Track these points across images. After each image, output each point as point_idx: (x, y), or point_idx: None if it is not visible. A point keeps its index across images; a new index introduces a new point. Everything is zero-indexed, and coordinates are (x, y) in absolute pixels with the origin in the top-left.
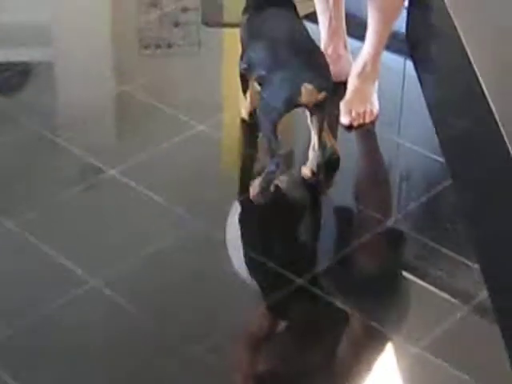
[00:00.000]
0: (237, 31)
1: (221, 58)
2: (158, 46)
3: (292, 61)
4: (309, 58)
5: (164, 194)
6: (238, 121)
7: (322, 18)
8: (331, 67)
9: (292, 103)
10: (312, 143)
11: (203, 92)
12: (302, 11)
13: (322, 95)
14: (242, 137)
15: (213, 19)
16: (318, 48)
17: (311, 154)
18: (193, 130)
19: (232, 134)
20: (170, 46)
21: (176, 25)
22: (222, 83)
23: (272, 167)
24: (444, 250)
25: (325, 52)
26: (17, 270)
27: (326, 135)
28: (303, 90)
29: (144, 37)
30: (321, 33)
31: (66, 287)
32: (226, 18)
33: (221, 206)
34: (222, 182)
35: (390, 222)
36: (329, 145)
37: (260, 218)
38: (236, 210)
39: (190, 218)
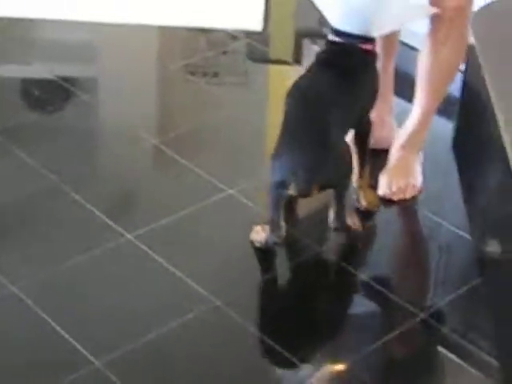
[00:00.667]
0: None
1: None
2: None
3: (292, 142)
4: (312, 146)
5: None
6: None
7: None
8: (374, 133)
9: (281, 193)
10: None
11: None
12: None
13: (317, 188)
14: None
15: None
16: (337, 136)
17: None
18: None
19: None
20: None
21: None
22: None
23: (270, 241)
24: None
25: None
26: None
27: (348, 214)
28: (291, 185)
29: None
30: None
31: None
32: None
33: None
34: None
35: (423, 315)
36: (352, 226)
37: (279, 303)
38: (258, 289)
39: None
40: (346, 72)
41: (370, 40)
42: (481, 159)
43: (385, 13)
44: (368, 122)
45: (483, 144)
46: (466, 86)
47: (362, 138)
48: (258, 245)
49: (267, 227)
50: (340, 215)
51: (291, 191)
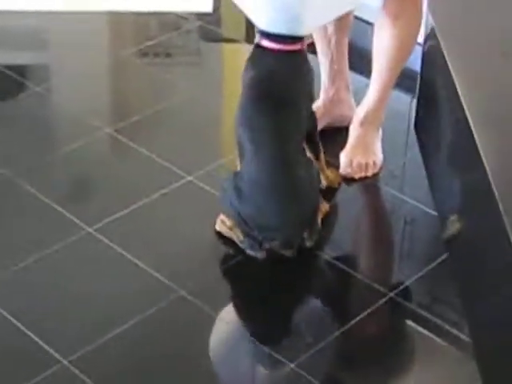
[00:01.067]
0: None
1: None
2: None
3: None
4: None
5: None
6: None
7: (323, 59)
8: (333, 110)
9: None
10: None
11: None
12: None
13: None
14: None
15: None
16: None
17: None
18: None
19: None
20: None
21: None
22: None
23: (245, 246)
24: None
25: (325, 95)
26: None
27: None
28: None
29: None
30: (321, 73)
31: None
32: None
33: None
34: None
35: (391, 294)
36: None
37: (249, 288)
38: (222, 277)
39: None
40: (282, 95)
41: (299, 39)
42: (442, 136)
43: (311, 10)
44: (313, 119)
45: (444, 121)
46: (425, 61)
47: (310, 135)
48: (227, 235)
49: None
50: (314, 232)
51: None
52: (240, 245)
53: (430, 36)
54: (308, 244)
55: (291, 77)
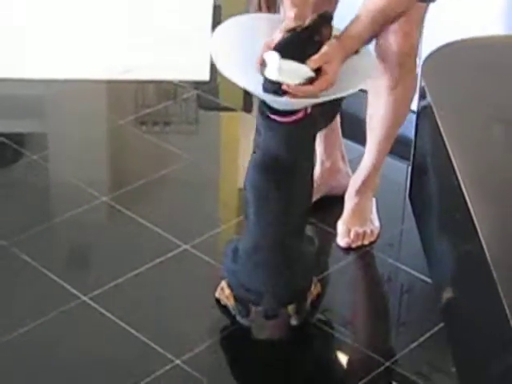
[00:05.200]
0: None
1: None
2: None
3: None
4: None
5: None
6: None
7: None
8: (329, 181)
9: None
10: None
11: None
12: None
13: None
14: None
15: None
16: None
17: None
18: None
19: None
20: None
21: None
22: None
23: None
24: None
25: (322, 166)
26: None
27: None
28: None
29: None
30: (316, 146)
31: None
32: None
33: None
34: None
35: (387, 363)
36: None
37: (243, 357)
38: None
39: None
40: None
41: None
42: (436, 205)
43: None
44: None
45: (438, 190)
46: (418, 129)
47: None
48: (223, 303)
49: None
50: (301, 310)
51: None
52: (231, 311)
53: (423, 103)
54: (294, 322)
55: (298, 146)
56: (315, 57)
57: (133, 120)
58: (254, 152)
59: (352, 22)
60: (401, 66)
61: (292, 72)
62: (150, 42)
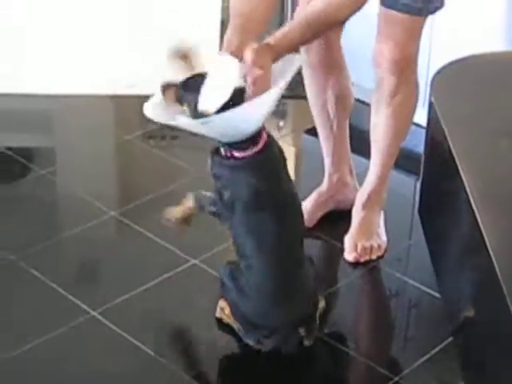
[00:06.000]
0: None
1: None
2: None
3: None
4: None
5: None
6: None
7: (326, 144)
8: (336, 195)
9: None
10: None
11: None
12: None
13: None
14: None
15: None
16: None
17: None
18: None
19: None
20: None
21: None
22: None
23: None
24: None
25: (329, 180)
26: None
27: None
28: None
29: None
30: (324, 159)
31: None
32: None
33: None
34: None
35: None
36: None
37: (250, 373)
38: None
39: None
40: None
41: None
42: (446, 221)
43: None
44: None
45: (448, 205)
46: (427, 144)
47: None
48: (226, 322)
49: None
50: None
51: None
52: (238, 332)
53: (433, 119)
54: (307, 343)
55: (278, 172)
56: (246, 61)
57: (140, 135)
58: (221, 199)
59: (286, 25)
60: (397, 75)
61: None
62: (153, 55)
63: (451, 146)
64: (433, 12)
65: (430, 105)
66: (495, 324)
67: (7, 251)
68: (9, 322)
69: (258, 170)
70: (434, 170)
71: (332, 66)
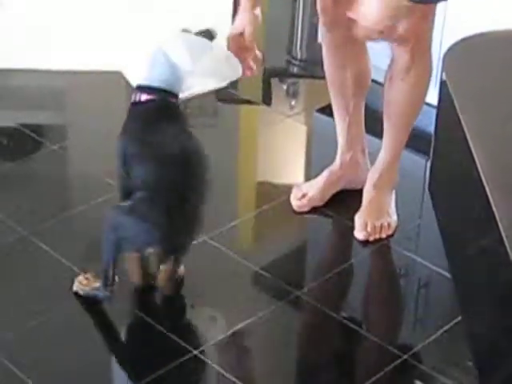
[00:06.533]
0: None
1: None
2: None
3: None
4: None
5: None
6: None
7: (341, 123)
8: (348, 174)
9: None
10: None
11: None
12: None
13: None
14: None
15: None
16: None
17: None
18: None
19: None
20: None
21: None
22: None
23: (100, 295)
24: None
25: (342, 159)
26: None
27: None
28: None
29: None
30: (338, 138)
31: None
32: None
33: None
34: None
35: (405, 356)
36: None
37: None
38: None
39: None
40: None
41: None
42: (456, 198)
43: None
44: None
45: (458, 183)
46: (439, 122)
47: None
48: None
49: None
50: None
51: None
52: (92, 293)
53: (444, 97)
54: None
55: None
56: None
57: None
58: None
59: None
60: (410, 51)
61: None
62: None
63: (463, 124)
64: None
65: (442, 82)
66: (505, 302)
67: (19, 226)
68: (17, 296)
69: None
70: (445, 147)
71: (355, 45)
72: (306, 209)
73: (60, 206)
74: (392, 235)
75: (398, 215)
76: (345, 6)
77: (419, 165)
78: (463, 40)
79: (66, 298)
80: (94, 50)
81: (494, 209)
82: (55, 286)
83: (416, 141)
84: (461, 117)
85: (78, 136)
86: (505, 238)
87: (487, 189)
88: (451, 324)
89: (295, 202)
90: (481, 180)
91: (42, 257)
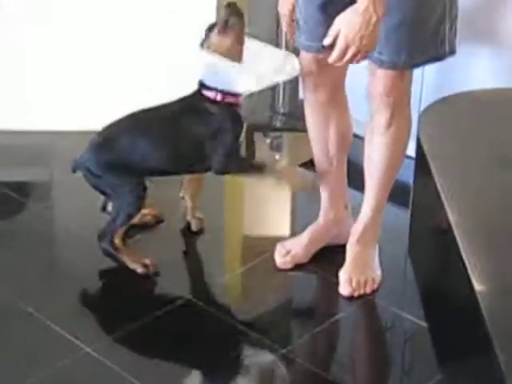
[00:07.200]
0: None
1: None
2: None
3: None
4: None
5: None
6: None
7: (324, 180)
8: (331, 230)
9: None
10: None
11: None
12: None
13: None
14: None
15: None
16: None
17: None
18: None
19: None
20: None
21: None
22: None
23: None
24: None
25: (325, 216)
26: None
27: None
28: None
29: None
30: (321, 194)
31: None
32: None
33: None
34: None
35: None
36: None
37: None
38: None
39: None
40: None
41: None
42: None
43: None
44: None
45: (436, 246)
46: (416, 177)
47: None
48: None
49: None
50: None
51: None
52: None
53: (420, 156)
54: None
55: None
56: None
57: None
58: None
59: None
60: (390, 107)
61: None
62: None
63: (437, 183)
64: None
65: (418, 141)
66: (481, 362)
67: (5, 290)
68: (6, 359)
69: None
70: (421, 210)
71: (338, 103)
72: (289, 266)
73: (47, 267)
74: (377, 290)
75: (382, 270)
76: (330, 67)
77: (402, 218)
78: (439, 100)
79: (53, 361)
80: (77, 109)
81: (470, 275)
82: (40, 349)
83: (398, 193)
84: (436, 179)
85: (62, 195)
86: (481, 304)
87: (461, 249)
88: (437, 378)
89: (279, 260)
90: (456, 243)
91: (28, 320)
